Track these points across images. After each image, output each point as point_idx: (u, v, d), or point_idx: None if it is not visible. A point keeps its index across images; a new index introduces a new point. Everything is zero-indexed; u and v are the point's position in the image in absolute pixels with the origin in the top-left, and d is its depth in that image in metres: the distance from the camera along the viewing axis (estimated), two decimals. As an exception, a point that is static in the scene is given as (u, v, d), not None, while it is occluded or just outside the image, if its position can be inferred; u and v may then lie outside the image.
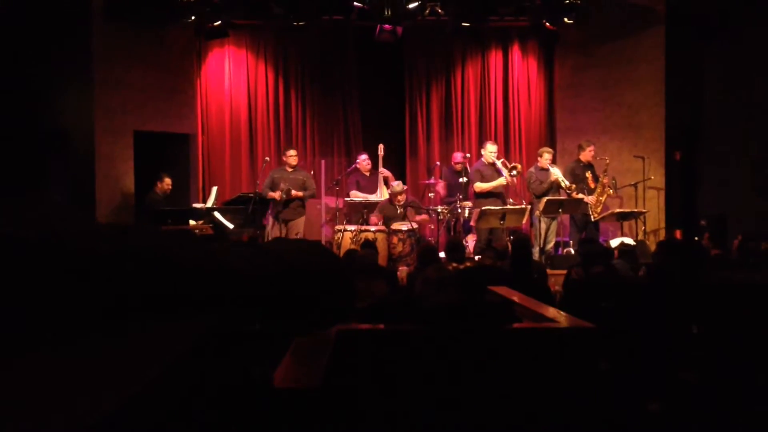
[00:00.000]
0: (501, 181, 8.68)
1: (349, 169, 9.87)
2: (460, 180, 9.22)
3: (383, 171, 9.37)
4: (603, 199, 8.76)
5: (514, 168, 8.72)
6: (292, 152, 9.23)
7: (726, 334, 2.36)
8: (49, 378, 0.66)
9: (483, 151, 8.92)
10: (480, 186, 8.67)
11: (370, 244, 6.86)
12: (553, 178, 8.66)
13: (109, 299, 0.71)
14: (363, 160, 9.48)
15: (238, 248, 0.85)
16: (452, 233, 8.93)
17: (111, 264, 0.72)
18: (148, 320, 0.74)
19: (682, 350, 3.20)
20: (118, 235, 0.76)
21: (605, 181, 8.79)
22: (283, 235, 8.89)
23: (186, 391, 0.77)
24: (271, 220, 9.09)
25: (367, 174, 9.48)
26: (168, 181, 9.09)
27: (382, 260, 7.40)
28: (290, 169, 9.08)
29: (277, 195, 8.80)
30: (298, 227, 8.96)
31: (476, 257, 7.49)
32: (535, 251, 8.17)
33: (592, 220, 8.71)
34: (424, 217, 8.82)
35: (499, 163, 8.75)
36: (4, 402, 0.62)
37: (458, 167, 9.65)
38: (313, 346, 2.16)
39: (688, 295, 3.44)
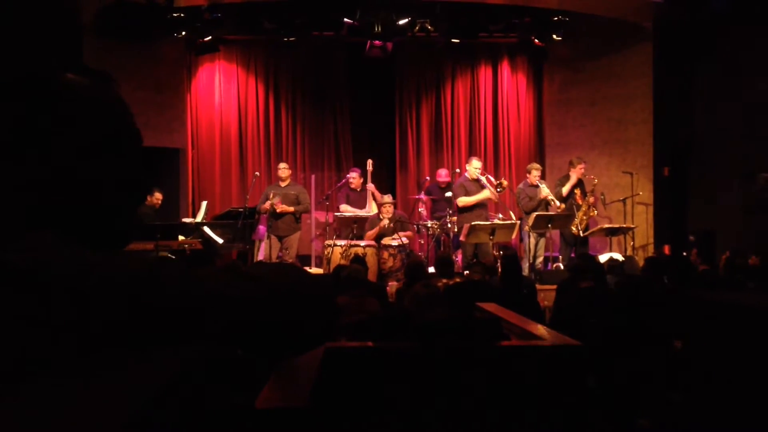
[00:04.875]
0: (485, 194, 8.66)
1: (339, 185, 9.88)
2: (447, 195, 9.24)
3: (370, 186, 9.38)
4: (586, 218, 8.82)
5: (500, 185, 8.73)
6: (282, 165, 9.24)
7: (711, 352, 2.37)
8: (28, 415, 0.65)
9: (467, 167, 8.91)
10: (464, 200, 8.66)
11: (359, 260, 6.84)
12: (542, 195, 8.69)
13: (92, 327, 0.72)
14: (352, 177, 9.48)
15: (220, 273, 0.85)
16: (441, 248, 8.93)
17: (95, 292, 0.72)
18: (131, 348, 0.74)
19: (666, 366, 3.21)
20: (103, 263, 0.77)
21: (591, 200, 8.85)
22: (277, 250, 8.87)
23: (171, 419, 0.78)
24: (265, 235, 9.06)
25: (358, 189, 9.49)
26: (158, 195, 9.05)
27: (372, 275, 7.38)
28: (283, 184, 9.07)
29: (267, 205, 8.79)
30: (292, 243, 8.92)
31: (465, 272, 7.49)
32: (525, 266, 8.18)
33: (581, 236, 8.74)
34: (407, 233, 8.76)
35: (483, 179, 8.73)
36: None
37: (443, 185, 9.67)
38: (301, 364, 2.16)
39: (672, 310, 3.46)
